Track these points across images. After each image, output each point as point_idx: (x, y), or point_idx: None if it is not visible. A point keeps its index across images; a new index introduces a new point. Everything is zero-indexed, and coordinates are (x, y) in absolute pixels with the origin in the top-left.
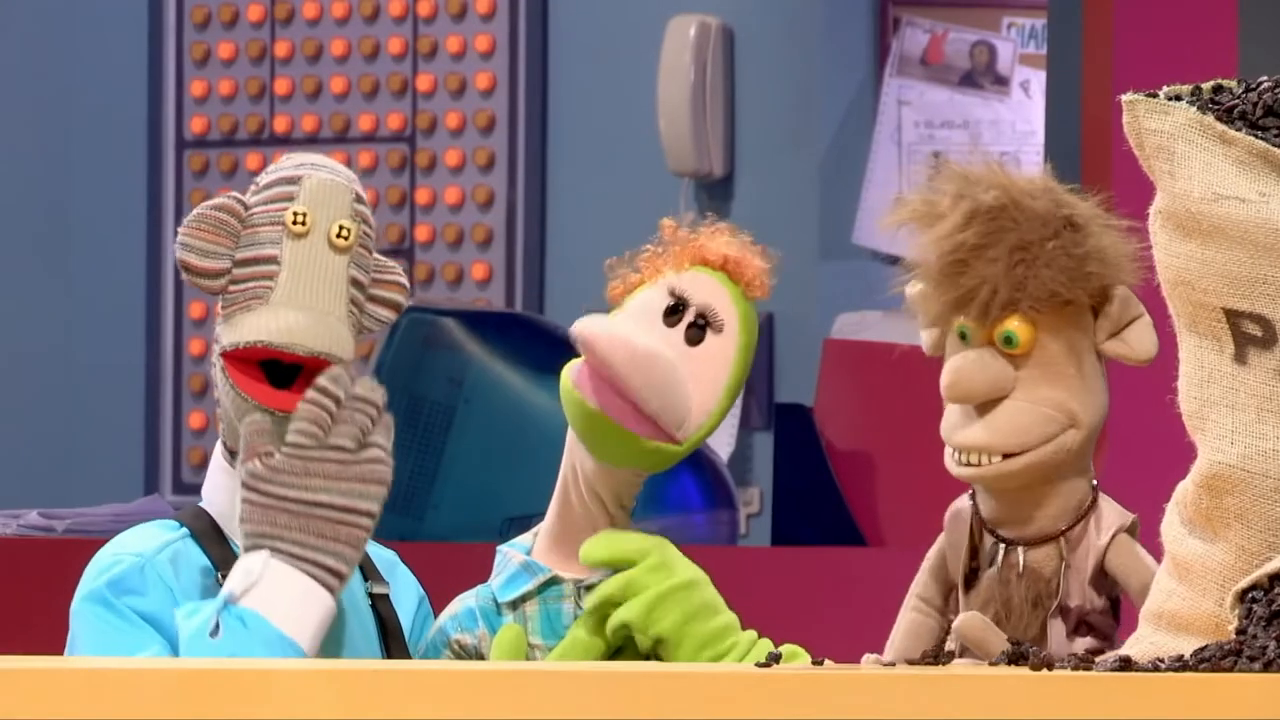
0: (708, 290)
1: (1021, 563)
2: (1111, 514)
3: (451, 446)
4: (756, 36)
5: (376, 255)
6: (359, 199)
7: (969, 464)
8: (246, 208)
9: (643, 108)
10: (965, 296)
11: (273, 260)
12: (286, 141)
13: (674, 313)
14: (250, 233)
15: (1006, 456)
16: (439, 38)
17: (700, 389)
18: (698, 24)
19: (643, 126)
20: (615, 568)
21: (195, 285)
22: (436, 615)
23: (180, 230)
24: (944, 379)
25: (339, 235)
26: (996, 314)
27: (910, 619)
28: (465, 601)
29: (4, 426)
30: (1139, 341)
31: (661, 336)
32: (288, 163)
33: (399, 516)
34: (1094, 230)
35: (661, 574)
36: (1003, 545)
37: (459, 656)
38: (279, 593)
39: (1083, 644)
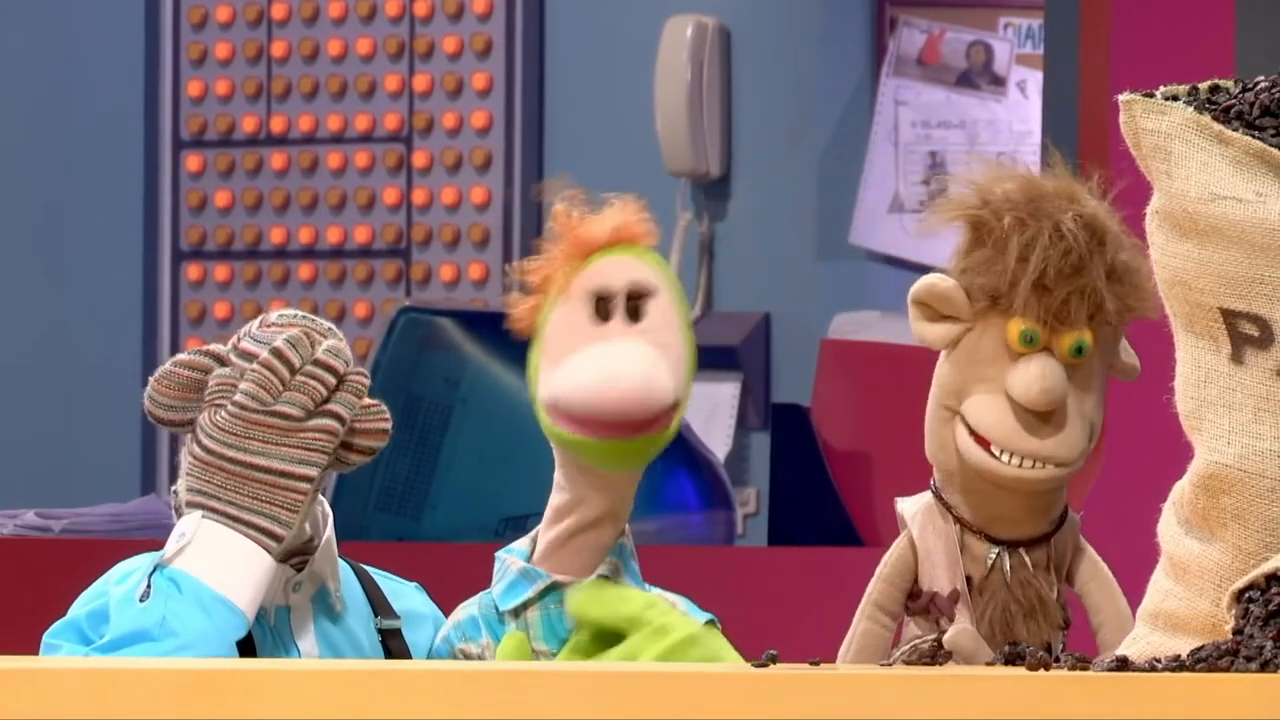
0: (620, 271)
1: (1029, 562)
2: (1072, 513)
3: (448, 447)
4: (753, 36)
5: (366, 399)
6: (331, 352)
7: (1017, 467)
8: (222, 362)
9: (639, 108)
10: (1056, 303)
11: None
12: (284, 141)
13: (602, 307)
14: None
15: (1059, 466)
16: (435, 38)
17: (666, 351)
18: (694, 24)
19: (640, 127)
20: (603, 630)
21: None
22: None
23: (150, 383)
24: (1031, 385)
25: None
26: (1078, 324)
27: (865, 630)
28: (468, 610)
29: (1, 427)
30: (1129, 358)
31: (604, 335)
32: (268, 334)
33: (396, 517)
34: (1119, 243)
35: (658, 638)
36: (1004, 549)
37: None
38: (212, 553)
39: (1059, 636)
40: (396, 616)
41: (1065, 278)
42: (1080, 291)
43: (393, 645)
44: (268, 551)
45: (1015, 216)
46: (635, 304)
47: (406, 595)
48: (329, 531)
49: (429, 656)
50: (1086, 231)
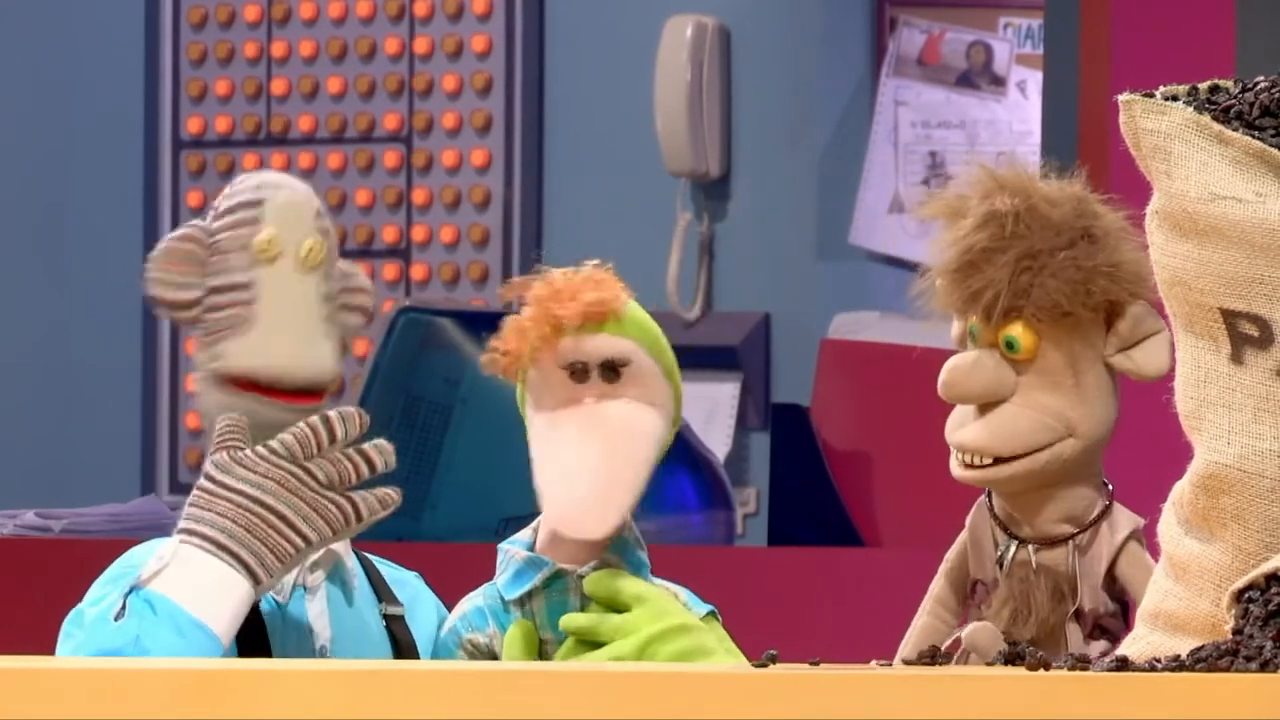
0: (591, 347)
1: (1034, 561)
2: (1123, 519)
3: (448, 447)
4: (753, 36)
5: (341, 262)
6: (320, 213)
7: (967, 465)
8: (210, 234)
9: (639, 108)
10: (972, 297)
11: (246, 287)
12: (283, 141)
13: (577, 373)
14: (219, 259)
15: (1000, 460)
16: (436, 38)
17: (646, 393)
18: (694, 24)
19: (639, 126)
20: (611, 605)
21: (169, 318)
22: None
23: (148, 264)
24: (940, 377)
25: (308, 255)
26: (999, 318)
27: (925, 624)
28: (474, 601)
29: (1, 427)
30: (1147, 358)
31: (581, 394)
32: (245, 185)
33: (396, 516)
34: (1110, 245)
35: (655, 618)
36: (1015, 543)
37: (473, 655)
38: (189, 576)
39: (1098, 647)
40: (399, 603)
41: (977, 269)
42: (992, 285)
43: (396, 631)
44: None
45: (961, 209)
46: (612, 369)
47: (408, 584)
48: None
49: (434, 648)
50: (997, 223)
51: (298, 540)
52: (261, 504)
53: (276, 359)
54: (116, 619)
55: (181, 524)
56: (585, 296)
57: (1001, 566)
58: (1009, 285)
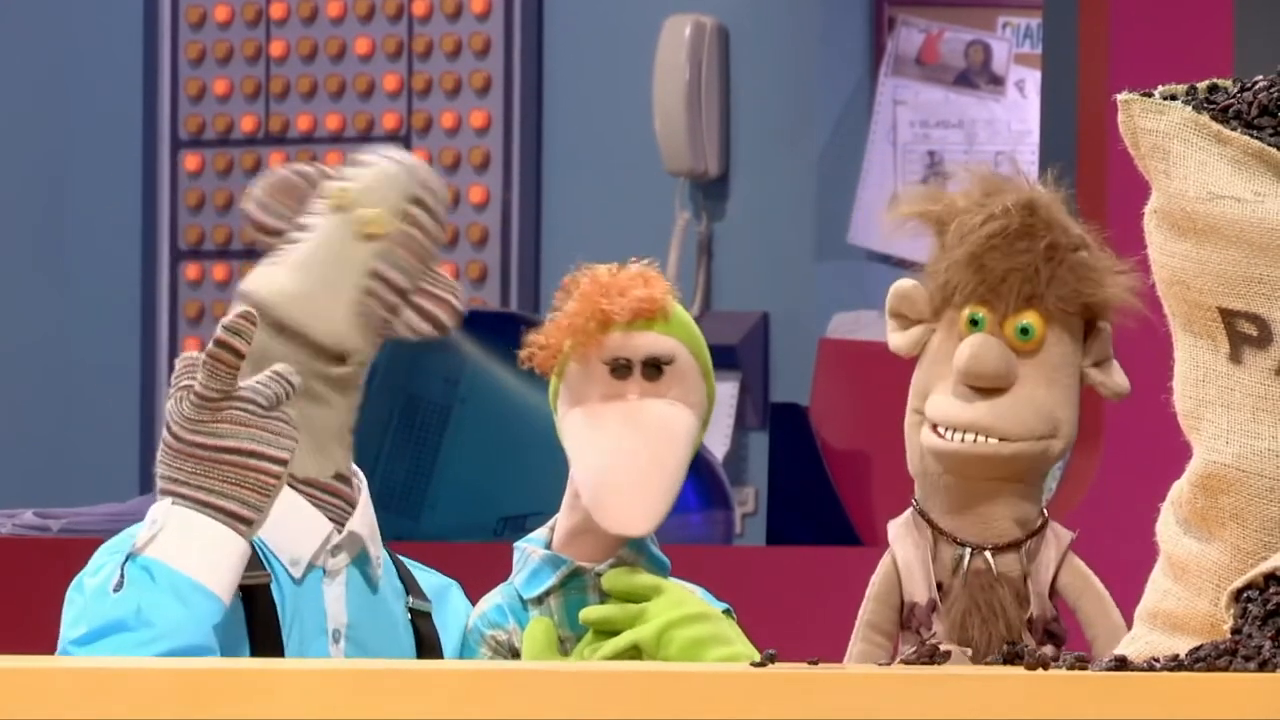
0: (637, 344)
1: (993, 566)
2: (1061, 530)
3: (447, 446)
4: (752, 36)
5: (437, 270)
6: (418, 202)
7: (959, 441)
8: (323, 177)
9: (638, 107)
10: (994, 281)
11: (308, 228)
12: (282, 141)
13: (619, 370)
14: (315, 203)
15: (1001, 441)
16: (434, 37)
17: (685, 394)
18: (693, 23)
19: (638, 126)
20: (629, 598)
21: (254, 237)
22: None
23: (257, 190)
24: (962, 357)
25: (368, 222)
26: (1020, 304)
27: (861, 650)
28: (493, 600)
29: (1, 427)
30: (1120, 376)
31: (622, 391)
32: (376, 150)
33: (395, 516)
34: (1104, 256)
35: (674, 606)
36: (968, 550)
37: (496, 651)
38: (184, 539)
39: (1048, 651)
40: (428, 600)
41: (1002, 255)
42: (1020, 269)
43: (421, 626)
44: (239, 534)
45: (962, 206)
46: (655, 367)
47: (444, 590)
48: (365, 497)
49: (461, 647)
50: (1026, 211)
51: (271, 467)
52: (224, 449)
53: (285, 294)
54: (116, 589)
55: (161, 485)
56: (635, 293)
57: (942, 582)
58: (1040, 270)
